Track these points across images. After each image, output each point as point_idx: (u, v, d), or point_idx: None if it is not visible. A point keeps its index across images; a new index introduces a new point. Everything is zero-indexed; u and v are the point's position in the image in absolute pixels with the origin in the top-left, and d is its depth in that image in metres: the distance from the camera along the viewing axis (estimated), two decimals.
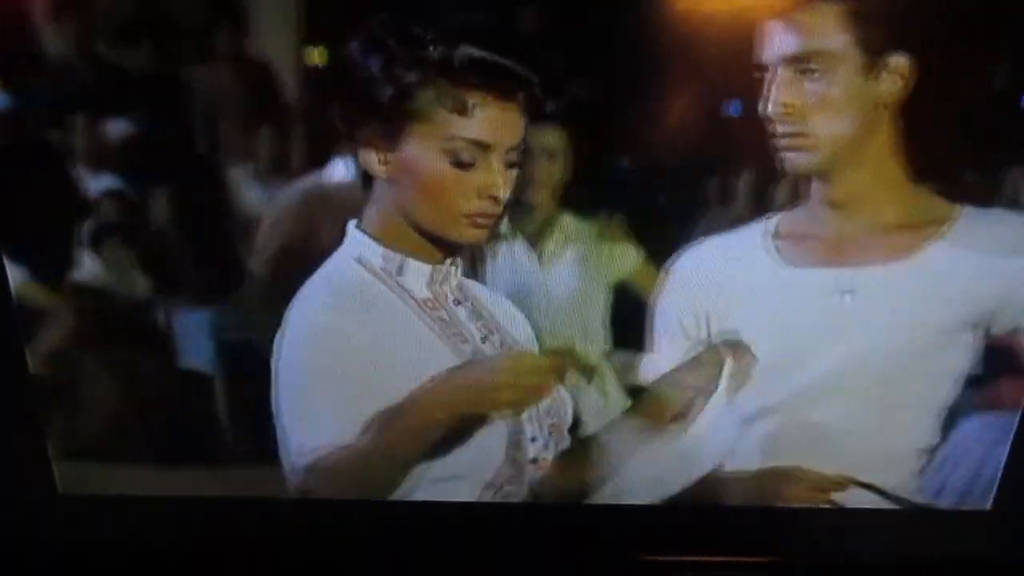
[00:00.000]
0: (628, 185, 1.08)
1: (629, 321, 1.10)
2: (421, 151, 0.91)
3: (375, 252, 0.96)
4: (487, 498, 1.01)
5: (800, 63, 0.92)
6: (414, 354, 0.96)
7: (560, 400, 1.03)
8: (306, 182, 1.02)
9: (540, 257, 1.12)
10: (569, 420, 1.04)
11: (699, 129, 0.99)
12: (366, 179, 0.96)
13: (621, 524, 1.10)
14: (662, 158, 1.04)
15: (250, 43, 0.96)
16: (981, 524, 1.09)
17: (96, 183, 1.01)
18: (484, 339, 1.00)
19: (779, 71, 0.92)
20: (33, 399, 1.05)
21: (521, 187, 1.00)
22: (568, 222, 1.14)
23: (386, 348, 0.95)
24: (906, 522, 1.06)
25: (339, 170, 1.00)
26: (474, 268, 1.09)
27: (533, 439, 1.00)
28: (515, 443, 0.99)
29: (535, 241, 1.12)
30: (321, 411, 0.94)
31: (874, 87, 0.93)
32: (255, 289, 1.06)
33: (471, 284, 1.03)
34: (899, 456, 1.07)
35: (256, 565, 1.15)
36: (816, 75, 0.92)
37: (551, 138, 1.06)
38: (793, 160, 0.96)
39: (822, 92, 0.93)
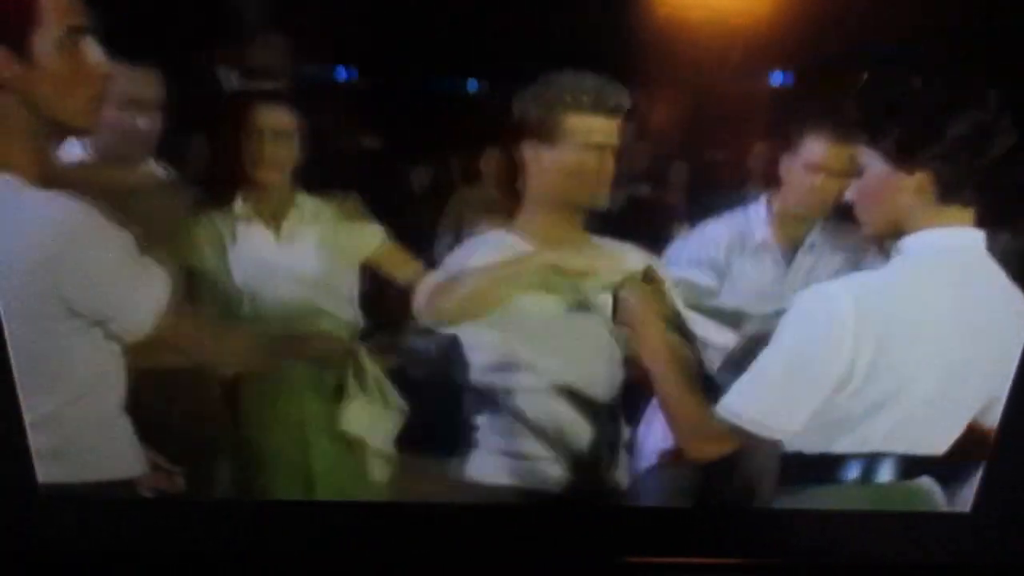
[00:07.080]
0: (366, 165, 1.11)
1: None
2: None
3: None
4: None
5: None
6: None
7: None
8: None
9: (279, 236, 1.14)
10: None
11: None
12: None
13: (604, 525, 1.10)
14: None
15: None
16: (961, 527, 1.10)
17: None
18: None
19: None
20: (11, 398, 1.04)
21: (254, 168, 1.05)
22: (304, 202, 1.16)
23: None
24: (886, 525, 1.07)
25: None
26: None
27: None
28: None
29: (272, 221, 1.14)
30: None
31: None
32: None
33: None
34: None
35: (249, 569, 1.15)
36: None
37: (283, 119, 1.09)
38: None
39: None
